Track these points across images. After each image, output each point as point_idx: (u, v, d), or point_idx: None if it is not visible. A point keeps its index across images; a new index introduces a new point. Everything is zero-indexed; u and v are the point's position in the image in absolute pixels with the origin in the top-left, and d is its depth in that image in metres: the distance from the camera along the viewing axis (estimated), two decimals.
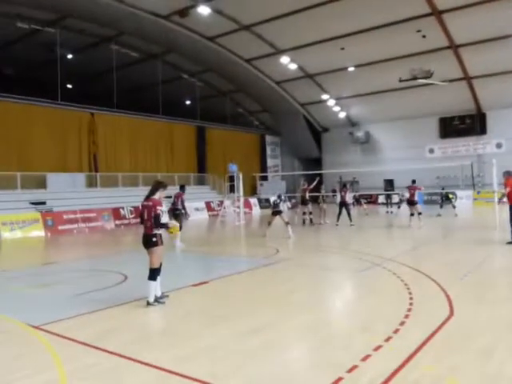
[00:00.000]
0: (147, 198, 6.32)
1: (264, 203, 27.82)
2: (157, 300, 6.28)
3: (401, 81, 24.96)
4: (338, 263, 9.67)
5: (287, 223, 13.76)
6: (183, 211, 12.68)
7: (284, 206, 14.36)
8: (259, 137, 34.58)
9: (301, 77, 28.21)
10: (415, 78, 24.19)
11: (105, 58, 24.88)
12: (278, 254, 10.63)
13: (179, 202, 12.52)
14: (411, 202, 15.48)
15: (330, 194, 18.62)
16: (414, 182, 15.94)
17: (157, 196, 6.31)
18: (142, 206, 6.32)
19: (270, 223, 14.12)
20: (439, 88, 25.40)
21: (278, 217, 13.80)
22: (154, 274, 6.19)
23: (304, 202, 17.62)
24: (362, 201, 24.15)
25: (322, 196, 18.52)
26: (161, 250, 6.26)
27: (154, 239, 6.19)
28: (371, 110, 30.51)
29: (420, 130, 29.34)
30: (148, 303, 6.19)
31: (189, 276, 8.47)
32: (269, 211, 14.29)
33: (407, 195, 20.61)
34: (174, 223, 6.47)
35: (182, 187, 13.04)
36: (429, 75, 23.88)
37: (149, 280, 6.19)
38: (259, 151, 34.38)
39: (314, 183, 17.70)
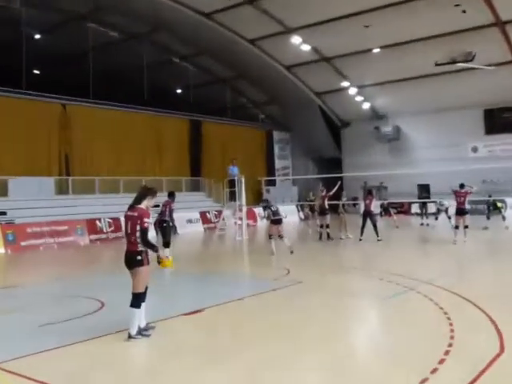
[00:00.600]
0: (131, 207, 6.32)
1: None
2: (140, 332, 6.25)
3: (437, 65, 24.99)
4: (361, 287, 9.61)
5: (281, 236, 14.03)
6: (171, 224, 12.67)
7: (283, 214, 14.50)
8: (265, 133, 34.69)
9: (316, 60, 28.28)
10: (454, 62, 24.23)
11: (79, 38, 25.09)
12: (289, 276, 10.60)
13: (167, 212, 12.52)
14: (461, 211, 15.22)
15: (351, 202, 18.61)
16: (462, 186, 15.60)
17: (143, 205, 6.29)
18: (126, 216, 6.31)
19: (271, 236, 14.24)
20: (484, 73, 25.38)
21: (278, 227, 14.11)
22: (138, 299, 6.15)
23: (323, 212, 17.59)
24: (392, 210, 24.09)
25: (343, 205, 18.47)
26: (147, 271, 6.22)
27: (139, 257, 6.13)
28: (401, 101, 30.46)
29: (461, 124, 29.29)
30: (130, 336, 6.15)
31: (180, 303, 8.43)
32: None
33: (446, 203, 20.70)
34: (165, 257, 6.46)
35: (171, 194, 13.06)
36: (470, 58, 23.93)
37: (131, 307, 6.16)
38: (265, 150, 34.48)
39: (335, 189, 17.73)
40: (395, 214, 24.19)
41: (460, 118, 29.28)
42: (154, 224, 13.13)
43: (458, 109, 29.07)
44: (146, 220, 6.12)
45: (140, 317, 6.26)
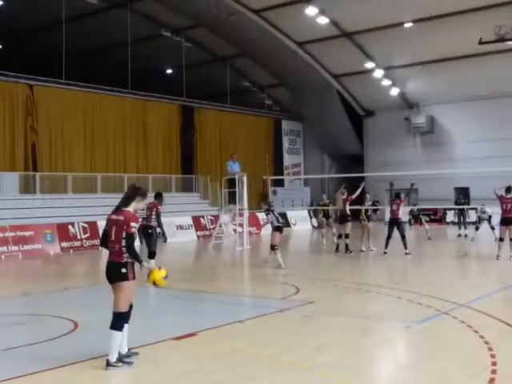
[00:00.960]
0: (118, 209, 6.42)
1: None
2: (121, 359, 6.27)
3: (481, 43, 24.96)
4: (385, 309, 9.64)
5: (274, 248, 14.18)
6: (159, 230, 12.70)
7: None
8: (273, 122, 34.78)
9: (334, 36, 28.34)
10: (503, 40, 24.20)
11: (49, 5, 25.14)
12: (299, 295, 10.65)
13: (153, 217, 12.55)
14: (507, 221, 15.15)
15: (371, 207, 18.61)
16: (509, 190, 15.40)
17: (131, 208, 6.40)
18: (110, 221, 6.39)
19: (275, 247, 14.37)
20: None
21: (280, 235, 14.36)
22: (119, 320, 6.19)
23: (343, 219, 17.60)
24: (423, 218, 24.08)
25: (366, 211, 18.48)
26: (132, 287, 6.28)
27: (124, 270, 6.19)
28: (437, 86, 30.49)
29: (509, 115, 29.26)
30: (108, 363, 6.17)
31: (168, 325, 8.49)
32: (285, 231, 14.38)
33: (489, 211, 20.69)
34: (156, 271, 6.47)
35: (158, 196, 13.08)
36: None
37: (111, 329, 6.19)
38: (272, 143, 34.59)
39: (358, 191, 17.78)
40: (427, 222, 24.18)
41: (508, 107, 29.23)
42: (138, 230, 13.17)
43: (505, 97, 29.05)
44: (132, 225, 6.21)
45: (122, 341, 6.29)
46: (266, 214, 14.94)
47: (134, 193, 6.46)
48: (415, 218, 24.67)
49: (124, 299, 6.21)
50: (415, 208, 24.87)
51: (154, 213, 12.60)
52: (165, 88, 28.94)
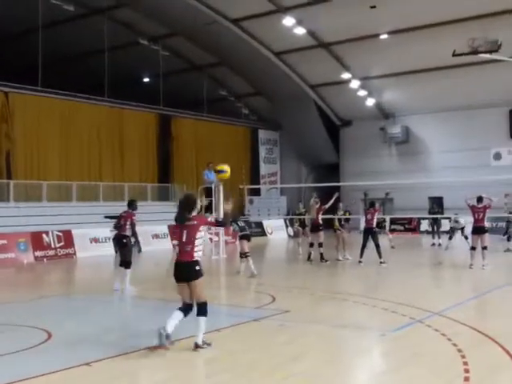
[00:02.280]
0: (187, 216, 7.23)
1: (254, 228, 27.79)
2: (205, 343, 7.20)
3: (455, 55, 25.17)
4: (360, 318, 9.69)
5: (246, 255, 14.44)
6: (133, 240, 12.58)
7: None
8: (250, 131, 34.92)
9: (312, 46, 28.58)
10: (476, 52, 24.37)
11: (26, 12, 24.95)
12: (274, 304, 10.65)
13: (127, 227, 12.40)
14: (478, 230, 15.31)
15: (343, 217, 18.72)
16: (480, 199, 15.58)
17: (195, 212, 7.39)
18: (181, 227, 7.27)
19: (245, 254, 14.56)
20: (510, 67, 25.75)
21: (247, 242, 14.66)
22: (205, 307, 7.20)
23: (315, 228, 17.74)
24: (385, 226, 23.99)
25: (340, 220, 18.61)
26: (203, 280, 7.28)
27: (198, 267, 7.19)
28: (412, 97, 30.90)
29: (482, 126, 29.72)
30: (197, 346, 7.10)
31: (142, 335, 8.41)
32: (261, 240, 14.43)
33: (462, 221, 20.91)
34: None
35: (132, 204, 12.87)
36: (495, 48, 24.12)
37: (199, 316, 7.14)
38: (249, 152, 34.72)
39: (332, 201, 17.90)
40: (401, 231, 24.25)
41: (481, 118, 29.71)
42: (113, 239, 13.06)
43: (479, 108, 29.52)
44: (209, 220, 7.68)
45: (173, 323, 7.10)
46: (230, 225, 15.03)
47: (195, 201, 7.43)
48: (379, 225, 24.56)
49: (202, 291, 7.22)
50: (383, 217, 24.77)
51: (128, 222, 12.41)
52: (142, 96, 28.84)
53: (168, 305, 11.02)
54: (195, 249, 7.15)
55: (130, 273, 12.33)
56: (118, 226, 12.50)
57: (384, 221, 23.98)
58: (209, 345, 7.21)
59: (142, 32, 29.41)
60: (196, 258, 7.14)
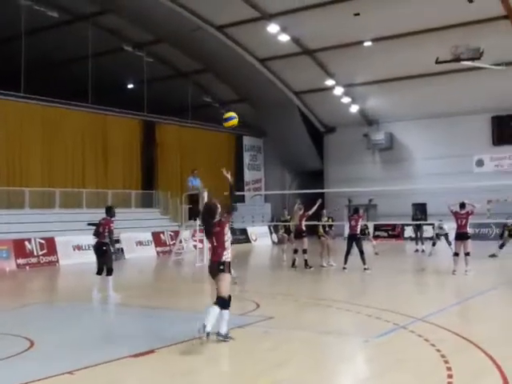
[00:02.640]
0: (209, 223, 8.14)
1: (238, 235, 27.81)
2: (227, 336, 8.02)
3: (438, 62, 25.42)
4: (344, 324, 9.72)
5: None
6: (112, 247, 12.53)
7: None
8: (234, 138, 34.94)
9: (296, 53, 28.67)
10: (458, 60, 24.66)
11: (9, 18, 24.82)
12: (258, 310, 10.65)
13: (106, 234, 12.34)
14: (461, 236, 15.43)
15: (327, 223, 18.75)
16: (463, 206, 15.71)
17: (219, 216, 8.17)
18: (212, 233, 8.14)
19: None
20: (493, 74, 26.03)
21: None
22: (224, 301, 7.98)
23: (299, 235, 17.78)
24: (369, 232, 23.99)
25: (324, 227, 18.67)
26: (228, 278, 8.22)
27: (222, 267, 8.11)
28: (395, 104, 31.12)
29: (464, 133, 29.93)
30: (219, 334, 7.89)
31: (127, 342, 8.37)
32: (245, 246, 14.34)
33: (446, 228, 21.02)
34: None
35: (110, 210, 12.76)
36: (478, 56, 24.40)
37: (222, 309, 7.85)
38: (233, 159, 34.70)
39: (315, 207, 17.87)
40: (385, 238, 24.30)
41: (463, 125, 29.95)
42: (93, 247, 13.00)
43: (462, 115, 29.76)
44: (226, 220, 8.25)
45: (216, 322, 7.86)
46: None
47: (216, 208, 8.17)
48: (362, 232, 24.61)
49: (225, 287, 8.05)
50: (366, 223, 24.75)
51: (106, 229, 12.36)
52: (126, 102, 28.72)
53: (151, 311, 11.01)
54: (224, 252, 8.08)
55: (112, 279, 12.31)
56: (98, 234, 12.46)
57: (367, 227, 23.97)
58: (231, 338, 8.01)
59: (126, 38, 29.33)
60: (223, 259, 8.07)
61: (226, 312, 7.99)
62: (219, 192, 27.25)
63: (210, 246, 8.37)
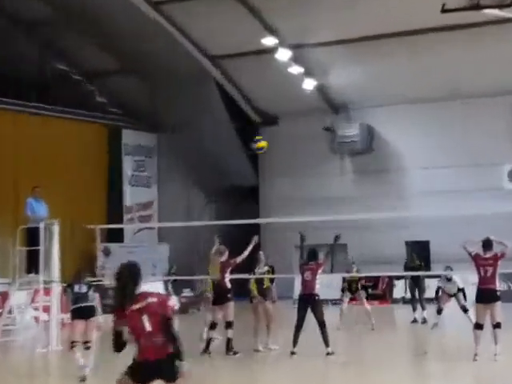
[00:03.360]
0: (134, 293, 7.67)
1: (110, 298, 27.31)
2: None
3: (444, 11, 25.69)
4: None
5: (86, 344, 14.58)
6: None
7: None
8: (106, 132, 35.27)
9: None
10: (478, 8, 25.00)
11: None
12: None
13: None
14: (487, 295, 15.36)
15: (268, 276, 18.74)
16: (488, 244, 15.56)
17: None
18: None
19: (73, 343, 14.44)
20: None
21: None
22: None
23: (220, 297, 17.51)
24: (362, 293, 23.96)
25: (261, 283, 18.40)
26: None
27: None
28: (376, 78, 31.35)
29: (489, 126, 30.49)
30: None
31: None
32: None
33: (458, 280, 20.84)
34: None
35: None
36: (507, 2, 24.84)
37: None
38: (105, 167, 34.79)
39: (247, 250, 17.84)
40: (367, 298, 24.24)
41: (485, 114, 30.52)
42: None
43: (483, 96, 30.23)
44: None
45: None
46: (64, 291, 15.49)
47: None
48: (351, 290, 24.45)
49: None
50: (354, 272, 24.71)
51: None
52: None
53: None
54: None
55: None
56: None
57: (359, 283, 23.86)
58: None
59: None
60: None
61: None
62: (79, 223, 27.14)
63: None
